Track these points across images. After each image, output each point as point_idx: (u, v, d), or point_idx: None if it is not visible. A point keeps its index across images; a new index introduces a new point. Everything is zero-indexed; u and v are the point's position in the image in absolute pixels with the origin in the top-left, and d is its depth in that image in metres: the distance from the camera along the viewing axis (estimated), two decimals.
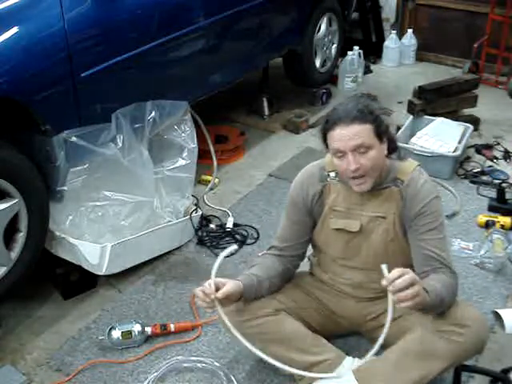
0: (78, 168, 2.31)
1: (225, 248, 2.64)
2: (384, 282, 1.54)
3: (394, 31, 4.87)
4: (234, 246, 1.88)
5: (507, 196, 2.94)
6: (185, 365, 2.07)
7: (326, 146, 1.84)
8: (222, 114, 3.91)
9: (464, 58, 4.60)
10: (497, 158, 3.42)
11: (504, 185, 3.05)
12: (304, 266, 2.12)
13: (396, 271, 1.54)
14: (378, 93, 3.93)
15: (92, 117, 2.37)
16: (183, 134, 2.72)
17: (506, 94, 4.29)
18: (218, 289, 1.74)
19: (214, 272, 1.76)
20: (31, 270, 2.29)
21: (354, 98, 1.83)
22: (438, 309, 1.73)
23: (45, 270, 2.43)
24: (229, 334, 1.85)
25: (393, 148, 1.87)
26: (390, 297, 1.56)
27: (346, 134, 1.74)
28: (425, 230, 1.81)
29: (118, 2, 2.43)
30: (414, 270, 1.86)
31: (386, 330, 1.60)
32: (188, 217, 2.70)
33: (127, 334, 2.14)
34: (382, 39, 4.99)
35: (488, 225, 2.75)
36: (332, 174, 1.92)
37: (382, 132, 1.78)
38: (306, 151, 3.53)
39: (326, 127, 1.80)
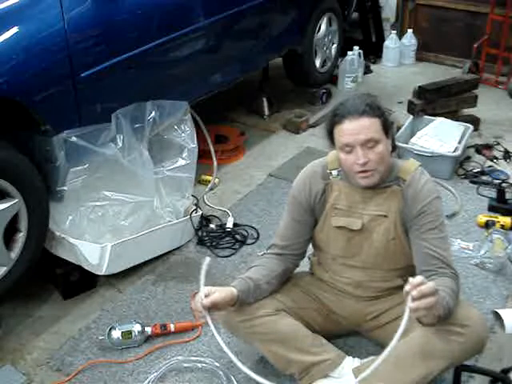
0: (78, 168, 2.31)
1: (225, 248, 2.69)
2: (407, 287, 1.53)
3: (394, 31, 4.87)
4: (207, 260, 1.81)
5: (507, 196, 2.94)
6: (185, 365, 2.07)
7: (331, 141, 1.84)
8: (222, 113, 3.91)
9: (464, 57, 4.59)
10: (497, 158, 3.42)
11: (504, 185, 3.06)
12: (304, 266, 2.12)
13: (419, 277, 1.54)
14: (378, 93, 3.90)
15: (92, 117, 2.37)
16: (183, 134, 2.72)
17: (506, 94, 4.29)
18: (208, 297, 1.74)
19: (202, 281, 1.75)
20: (31, 270, 2.29)
21: (359, 95, 1.83)
22: (445, 319, 1.72)
23: (45, 270, 2.43)
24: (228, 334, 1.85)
25: (393, 146, 1.87)
26: (408, 303, 1.54)
27: (356, 128, 1.74)
28: (426, 230, 1.81)
29: (118, 2, 2.43)
30: (415, 270, 1.87)
31: (399, 333, 1.57)
32: (188, 217, 2.70)
33: (127, 334, 2.14)
34: (381, 39, 4.99)
35: (488, 225, 2.75)
36: (334, 173, 1.92)
37: (388, 127, 1.79)
38: (305, 151, 3.53)
39: (334, 121, 1.79)
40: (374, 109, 1.76)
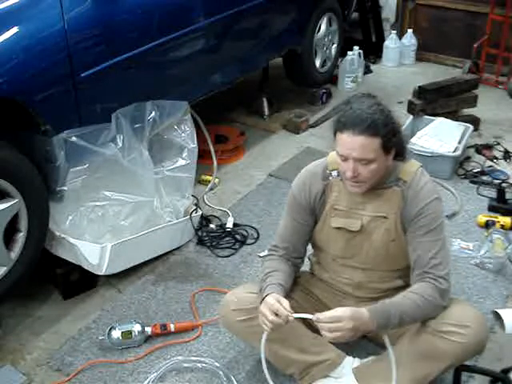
0: (78, 168, 2.31)
1: (225, 248, 2.69)
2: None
3: (394, 31, 4.87)
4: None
5: (507, 196, 2.94)
6: (185, 365, 2.07)
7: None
8: (222, 114, 3.91)
9: (464, 57, 4.59)
10: (497, 158, 3.42)
11: (504, 185, 3.06)
12: (304, 266, 2.12)
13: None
14: (378, 93, 3.88)
15: (92, 117, 2.37)
16: (183, 134, 2.72)
17: (505, 94, 4.29)
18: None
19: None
20: (31, 270, 2.29)
21: (371, 103, 1.75)
22: (403, 325, 1.73)
23: (45, 270, 2.43)
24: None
25: (403, 154, 1.85)
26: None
27: (353, 144, 1.70)
28: (422, 232, 1.79)
29: (118, 2, 2.43)
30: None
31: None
32: (188, 217, 2.70)
33: (127, 334, 2.14)
34: (381, 39, 4.99)
35: (488, 225, 2.75)
36: (334, 173, 1.90)
37: (391, 146, 1.75)
38: (305, 151, 3.53)
39: (338, 126, 1.74)
40: (377, 127, 1.69)
